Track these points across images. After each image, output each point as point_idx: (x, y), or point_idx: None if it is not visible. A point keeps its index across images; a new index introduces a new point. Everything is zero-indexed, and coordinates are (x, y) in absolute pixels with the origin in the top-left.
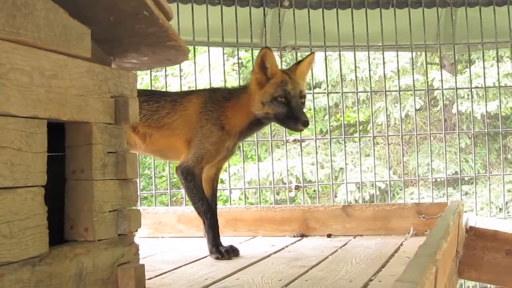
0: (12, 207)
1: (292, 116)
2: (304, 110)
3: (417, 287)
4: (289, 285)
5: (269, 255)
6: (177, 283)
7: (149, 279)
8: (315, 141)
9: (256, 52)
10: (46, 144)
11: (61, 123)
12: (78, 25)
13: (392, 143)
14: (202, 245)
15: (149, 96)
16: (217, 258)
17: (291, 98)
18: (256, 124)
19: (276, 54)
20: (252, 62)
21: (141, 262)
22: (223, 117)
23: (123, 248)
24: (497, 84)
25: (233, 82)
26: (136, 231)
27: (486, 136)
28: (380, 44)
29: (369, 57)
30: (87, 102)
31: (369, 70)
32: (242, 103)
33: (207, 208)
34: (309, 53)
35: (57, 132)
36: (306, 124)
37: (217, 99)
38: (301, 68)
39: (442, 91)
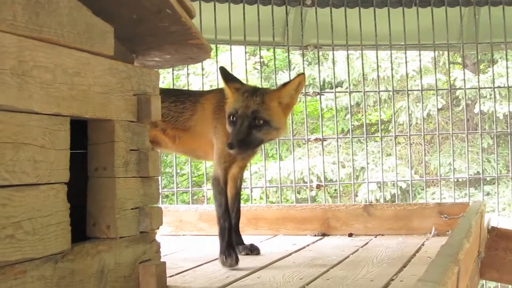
0: (35, 204)
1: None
2: (262, 133)
3: (439, 287)
4: (310, 284)
5: (290, 254)
6: (198, 281)
7: (170, 276)
8: (337, 140)
9: (278, 51)
10: (69, 141)
11: (84, 121)
12: (101, 23)
13: (413, 142)
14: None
15: (177, 97)
16: (222, 263)
17: (238, 118)
18: None
19: (298, 53)
20: (274, 62)
21: (162, 259)
22: None
23: (145, 245)
24: None
25: (255, 81)
26: (158, 228)
27: (509, 136)
28: (403, 43)
29: (391, 56)
30: (110, 100)
31: (391, 69)
32: None
33: (223, 214)
34: (299, 73)
35: (80, 130)
36: (228, 146)
37: None
38: (288, 89)
39: (465, 91)
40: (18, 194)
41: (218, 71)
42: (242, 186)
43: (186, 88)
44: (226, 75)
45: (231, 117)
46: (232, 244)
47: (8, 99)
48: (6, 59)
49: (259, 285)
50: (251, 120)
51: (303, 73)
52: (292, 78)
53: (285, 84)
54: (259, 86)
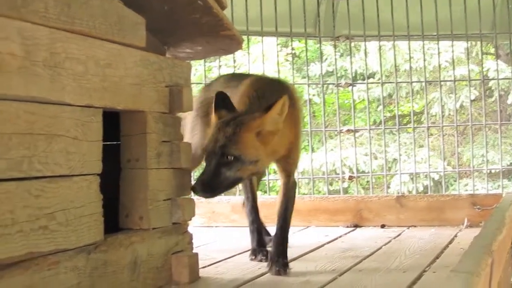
0: (68, 195)
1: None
2: (235, 171)
3: (472, 278)
4: (342, 275)
5: (322, 245)
6: (230, 272)
7: (202, 267)
8: (369, 131)
9: (310, 42)
10: (101, 133)
11: (116, 113)
12: (133, 15)
13: (446, 134)
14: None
15: None
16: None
17: (207, 155)
18: None
19: (330, 44)
20: (306, 53)
21: (194, 251)
22: None
23: (177, 236)
24: None
25: (286, 72)
26: (190, 220)
27: None
28: (435, 33)
29: (423, 47)
30: (142, 91)
31: (424, 60)
32: None
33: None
34: (283, 97)
35: (112, 122)
36: (192, 189)
37: None
38: (270, 116)
39: (498, 82)
40: (51, 185)
41: (214, 96)
42: (274, 178)
43: None
44: (219, 101)
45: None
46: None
47: (41, 91)
48: (39, 51)
49: (291, 277)
50: (219, 157)
51: (286, 94)
52: (274, 101)
53: (266, 110)
54: (252, 111)
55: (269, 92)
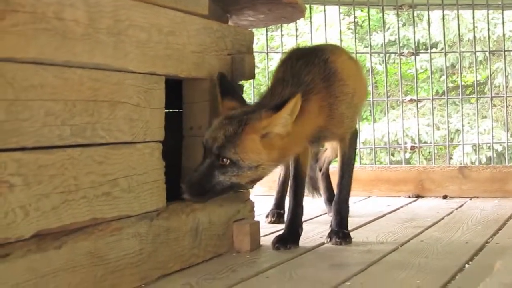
0: (131, 162)
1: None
2: (229, 176)
3: None
4: (404, 245)
5: (384, 215)
6: None
7: (264, 236)
8: (431, 101)
9: (373, 11)
10: (163, 100)
11: (177, 81)
12: None
13: (510, 104)
14: (317, 204)
15: None
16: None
17: (205, 152)
18: None
19: (392, 13)
20: (369, 22)
21: (256, 219)
22: None
23: (239, 204)
24: None
25: (348, 41)
26: (251, 188)
27: None
28: (500, 2)
29: (488, 16)
30: (204, 59)
31: (488, 30)
32: None
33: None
34: (296, 96)
35: (173, 90)
36: (180, 190)
37: None
38: (280, 117)
39: None
40: (114, 152)
41: (217, 78)
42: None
43: (279, 50)
44: (224, 86)
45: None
46: None
47: (104, 58)
48: (102, 18)
49: (352, 246)
50: (214, 158)
51: (299, 93)
52: (286, 99)
53: (277, 109)
54: (256, 107)
55: (297, 73)
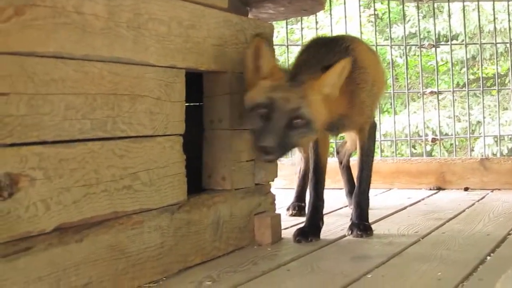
0: (152, 155)
1: (259, 134)
2: (300, 137)
3: None
4: (425, 237)
5: (405, 207)
6: None
7: (285, 228)
8: (452, 93)
9: (393, 4)
10: (184, 94)
11: (197, 74)
12: None
13: None
14: (338, 197)
15: None
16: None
17: (273, 113)
18: None
19: (413, 5)
20: (389, 14)
21: (277, 212)
22: None
23: (260, 197)
24: None
25: (368, 34)
26: (273, 181)
27: None
28: None
29: (508, 7)
30: (224, 52)
31: (508, 21)
32: None
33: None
34: (345, 59)
35: (194, 83)
36: (262, 150)
37: None
38: (330, 76)
39: None
40: (135, 145)
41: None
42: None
43: (299, 43)
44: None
45: (260, 108)
46: None
47: (124, 52)
48: (122, 12)
49: (374, 238)
50: (287, 119)
51: (350, 56)
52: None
53: (326, 69)
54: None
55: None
